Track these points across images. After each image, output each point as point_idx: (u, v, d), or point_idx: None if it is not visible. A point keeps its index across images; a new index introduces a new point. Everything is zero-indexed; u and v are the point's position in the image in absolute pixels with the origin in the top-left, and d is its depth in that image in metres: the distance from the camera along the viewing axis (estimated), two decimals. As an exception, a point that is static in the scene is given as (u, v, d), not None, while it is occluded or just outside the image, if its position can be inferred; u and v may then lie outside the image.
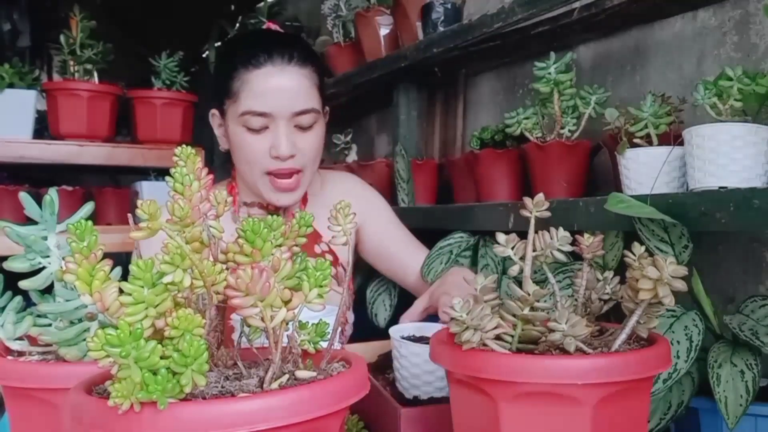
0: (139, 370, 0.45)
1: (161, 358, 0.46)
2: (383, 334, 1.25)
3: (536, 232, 0.68)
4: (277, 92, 1.19)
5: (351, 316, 1.40)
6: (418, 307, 1.14)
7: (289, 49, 1.21)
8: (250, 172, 1.24)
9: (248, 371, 0.56)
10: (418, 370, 0.90)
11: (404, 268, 1.36)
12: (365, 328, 1.44)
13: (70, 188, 2.13)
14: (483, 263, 1.33)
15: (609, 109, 1.11)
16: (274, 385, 0.53)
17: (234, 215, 1.30)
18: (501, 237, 0.69)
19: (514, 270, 0.68)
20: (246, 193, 1.31)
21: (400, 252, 1.37)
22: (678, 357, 0.85)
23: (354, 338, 1.37)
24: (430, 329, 0.96)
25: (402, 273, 1.37)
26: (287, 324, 0.55)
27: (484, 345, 0.62)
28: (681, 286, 0.60)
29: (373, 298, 1.52)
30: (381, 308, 1.51)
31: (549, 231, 0.68)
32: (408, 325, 1.03)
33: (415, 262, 1.34)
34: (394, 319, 1.40)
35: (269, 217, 0.58)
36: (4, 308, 0.69)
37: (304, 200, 1.33)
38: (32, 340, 0.69)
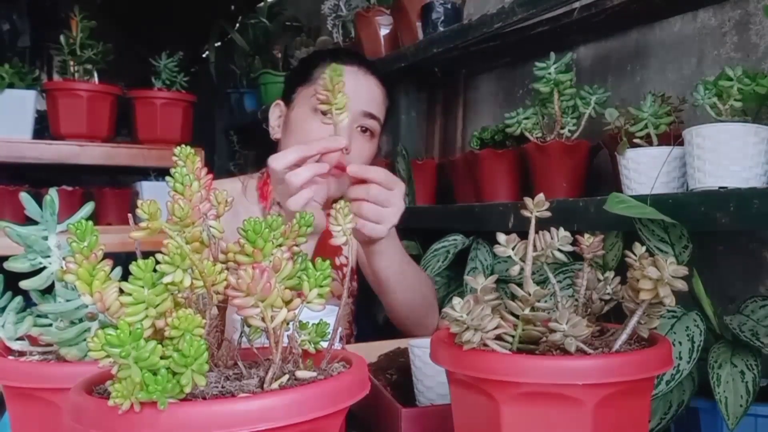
0: (139, 370, 0.45)
1: (161, 358, 0.45)
2: (383, 334, 1.25)
3: (536, 232, 0.68)
4: (357, 88, 1.22)
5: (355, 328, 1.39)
6: None
7: (379, 72, 1.30)
8: None
9: (248, 371, 0.56)
10: (436, 381, 0.91)
11: None
12: (365, 329, 1.44)
13: (70, 188, 2.13)
14: (471, 266, 1.32)
15: (609, 109, 1.11)
16: (275, 385, 0.53)
17: (264, 212, 1.28)
18: (501, 237, 0.69)
19: (514, 270, 0.68)
20: None
21: None
22: (680, 358, 0.85)
23: (354, 338, 1.37)
24: None
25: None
26: (288, 324, 0.55)
27: (485, 345, 0.62)
28: (681, 286, 0.59)
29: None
30: (380, 307, 1.51)
31: (549, 231, 0.68)
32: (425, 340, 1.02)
33: None
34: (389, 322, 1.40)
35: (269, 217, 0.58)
36: (4, 308, 0.69)
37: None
38: (33, 340, 0.69)
